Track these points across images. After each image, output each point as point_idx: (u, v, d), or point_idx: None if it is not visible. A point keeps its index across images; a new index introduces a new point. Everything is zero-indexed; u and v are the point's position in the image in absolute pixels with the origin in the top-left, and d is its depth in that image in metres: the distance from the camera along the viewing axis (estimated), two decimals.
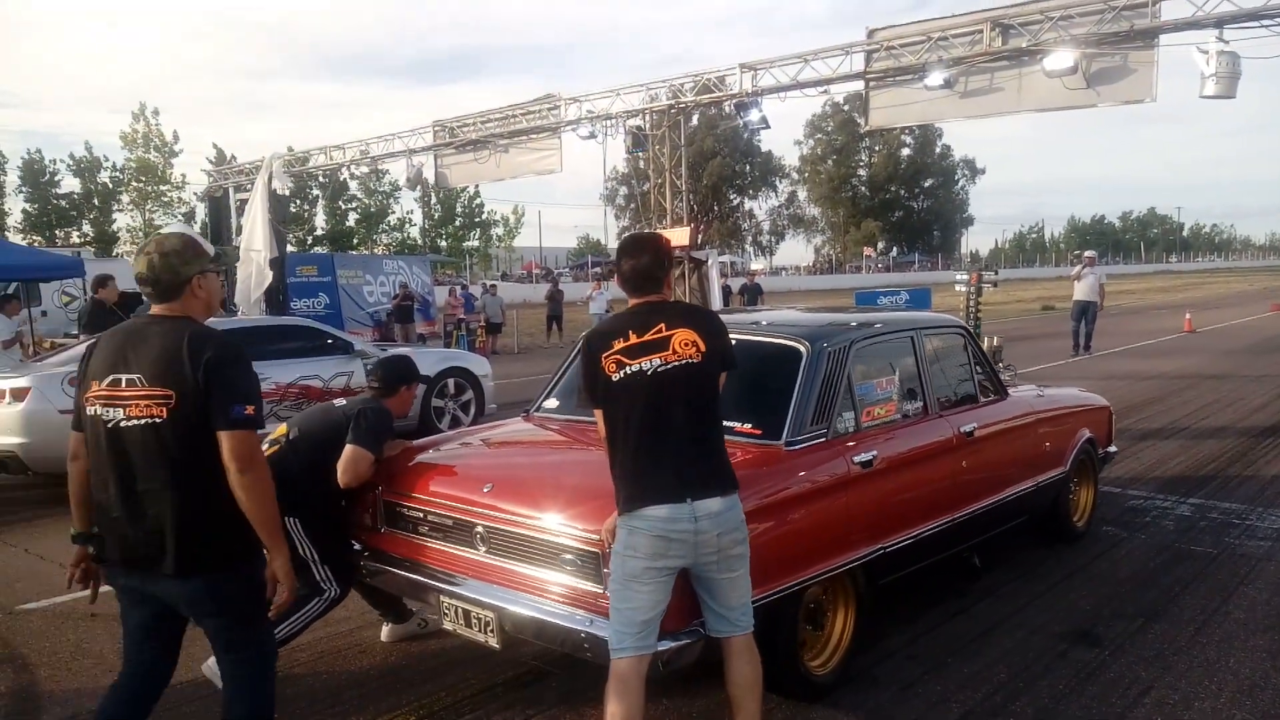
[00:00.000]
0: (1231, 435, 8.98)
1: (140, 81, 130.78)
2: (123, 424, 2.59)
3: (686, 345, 2.95)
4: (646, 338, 2.96)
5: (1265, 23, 9.15)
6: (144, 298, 2.77)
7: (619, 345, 2.98)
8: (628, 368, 2.95)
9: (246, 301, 14.34)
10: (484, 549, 3.62)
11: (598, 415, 3.08)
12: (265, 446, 3.90)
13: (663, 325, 2.98)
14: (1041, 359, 15.35)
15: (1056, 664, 3.98)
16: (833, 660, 3.78)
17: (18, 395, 7.14)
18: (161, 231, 2.91)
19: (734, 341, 3.17)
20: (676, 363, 2.94)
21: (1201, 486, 7.00)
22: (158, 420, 2.57)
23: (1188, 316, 23.00)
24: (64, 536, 6.26)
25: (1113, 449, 6.25)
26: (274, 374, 8.27)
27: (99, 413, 2.63)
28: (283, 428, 3.99)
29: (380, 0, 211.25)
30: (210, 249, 2.81)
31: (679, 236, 13.83)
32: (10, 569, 5.66)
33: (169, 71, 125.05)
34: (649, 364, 2.94)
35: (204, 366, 2.56)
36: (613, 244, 67.39)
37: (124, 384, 2.59)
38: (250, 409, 2.61)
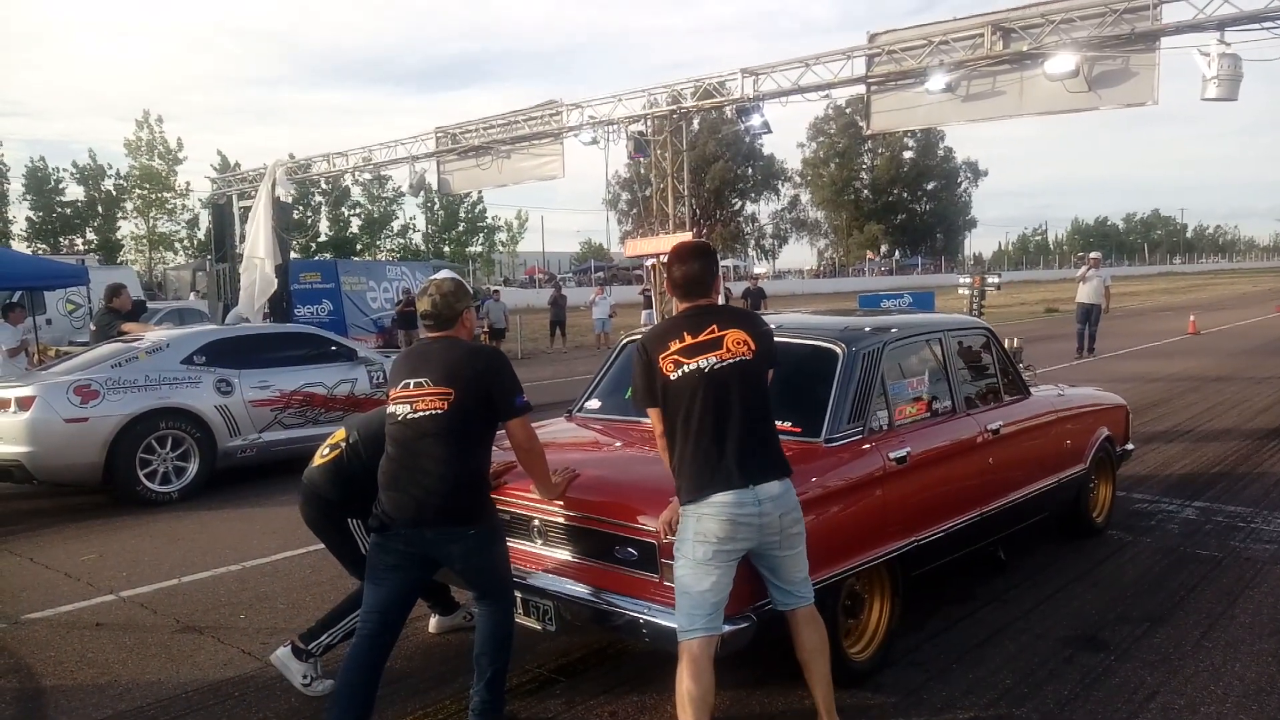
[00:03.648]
0: (1236, 437, 8.96)
1: (146, 90, 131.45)
2: (410, 416, 3.27)
3: (739, 344, 3.15)
4: (701, 338, 3.16)
5: (1266, 25, 9.15)
6: (423, 327, 3.49)
7: (675, 346, 3.17)
8: (685, 367, 3.14)
9: (250, 308, 14.35)
10: (540, 542, 3.78)
11: (652, 414, 3.26)
12: (326, 450, 3.94)
13: (715, 326, 3.18)
14: (1046, 361, 15.29)
15: (1062, 669, 3.98)
16: (871, 647, 3.91)
17: (23, 404, 7.16)
18: (437, 277, 3.53)
19: None
20: (731, 360, 3.13)
21: (1207, 489, 6.98)
22: (438, 412, 3.24)
23: (1192, 318, 22.92)
24: (69, 546, 6.33)
25: (1130, 446, 6.34)
26: (278, 381, 8.29)
27: (396, 409, 3.32)
28: (342, 431, 3.97)
29: (386, 7, 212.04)
30: (470, 289, 3.50)
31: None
32: (15, 578, 5.67)
33: (174, 80, 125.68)
34: (705, 362, 3.13)
35: (481, 372, 3.28)
36: (615, 248, 67.67)
37: (412, 386, 3.30)
38: (525, 398, 3.35)
